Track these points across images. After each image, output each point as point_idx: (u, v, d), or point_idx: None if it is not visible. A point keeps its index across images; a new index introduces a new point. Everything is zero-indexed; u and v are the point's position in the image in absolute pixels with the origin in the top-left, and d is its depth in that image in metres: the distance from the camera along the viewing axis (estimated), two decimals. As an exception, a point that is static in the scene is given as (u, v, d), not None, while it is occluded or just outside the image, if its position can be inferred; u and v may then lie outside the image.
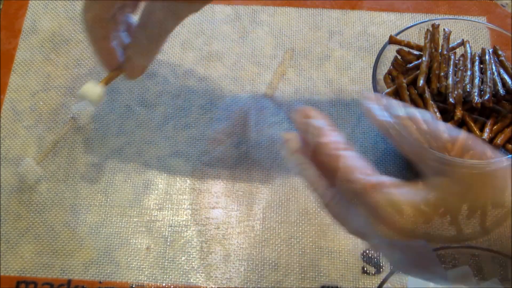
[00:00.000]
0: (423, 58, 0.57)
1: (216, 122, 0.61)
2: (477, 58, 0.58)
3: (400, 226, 0.37)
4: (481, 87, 0.55)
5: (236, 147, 0.59)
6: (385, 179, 0.38)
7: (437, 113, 0.54)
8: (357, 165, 0.38)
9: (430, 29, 0.59)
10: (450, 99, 0.54)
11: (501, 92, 0.54)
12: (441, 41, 0.58)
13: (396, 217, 0.36)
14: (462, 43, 0.60)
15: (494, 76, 0.56)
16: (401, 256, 0.40)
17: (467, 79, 0.55)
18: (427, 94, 0.55)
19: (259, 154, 0.59)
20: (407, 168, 0.58)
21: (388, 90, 0.57)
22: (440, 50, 0.58)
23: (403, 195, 0.37)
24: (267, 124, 0.61)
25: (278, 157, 0.59)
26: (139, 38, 0.49)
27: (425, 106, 0.55)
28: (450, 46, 0.59)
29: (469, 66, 0.57)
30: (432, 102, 0.55)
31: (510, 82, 0.55)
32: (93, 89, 0.52)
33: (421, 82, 0.55)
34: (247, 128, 0.60)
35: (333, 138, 0.40)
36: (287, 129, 0.60)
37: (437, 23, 0.59)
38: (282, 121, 0.61)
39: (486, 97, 0.54)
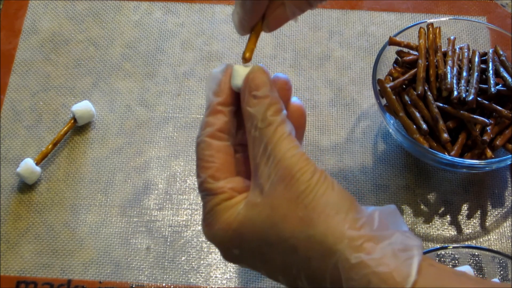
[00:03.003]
0: (419, 61, 0.56)
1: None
2: (476, 58, 0.57)
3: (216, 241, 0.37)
4: (467, 87, 0.55)
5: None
6: (227, 186, 0.35)
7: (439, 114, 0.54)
8: (209, 165, 0.36)
9: (426, 29, 0.59)
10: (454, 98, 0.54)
11: (492, 90, 0.54)
12: (437, 41, 0.58)
13: (211, 228, 0.36)
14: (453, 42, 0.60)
15: (488, 75, 0.56)
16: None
17: (462, 81, 0.55)
18: (430, 96, 0.55)
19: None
20: (407, 168, 0.58)
21: (390, 84, 0.56)
22: (436, 50, 0.58)
23: (227, 207, 0.35)
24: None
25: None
26: None
27: (426, 108, 0.55)
28: (452, 47, 0.59)
29: (465, 68, 0.56)
30: (433, 103, 0.55)
31: (510, 80, 0.55)
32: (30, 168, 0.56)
33: (419, 89, 0.55)
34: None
35: (213, 121, 0.37)
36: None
37: (432, 23, 0.59)
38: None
39: (470, 98, 0.53)
